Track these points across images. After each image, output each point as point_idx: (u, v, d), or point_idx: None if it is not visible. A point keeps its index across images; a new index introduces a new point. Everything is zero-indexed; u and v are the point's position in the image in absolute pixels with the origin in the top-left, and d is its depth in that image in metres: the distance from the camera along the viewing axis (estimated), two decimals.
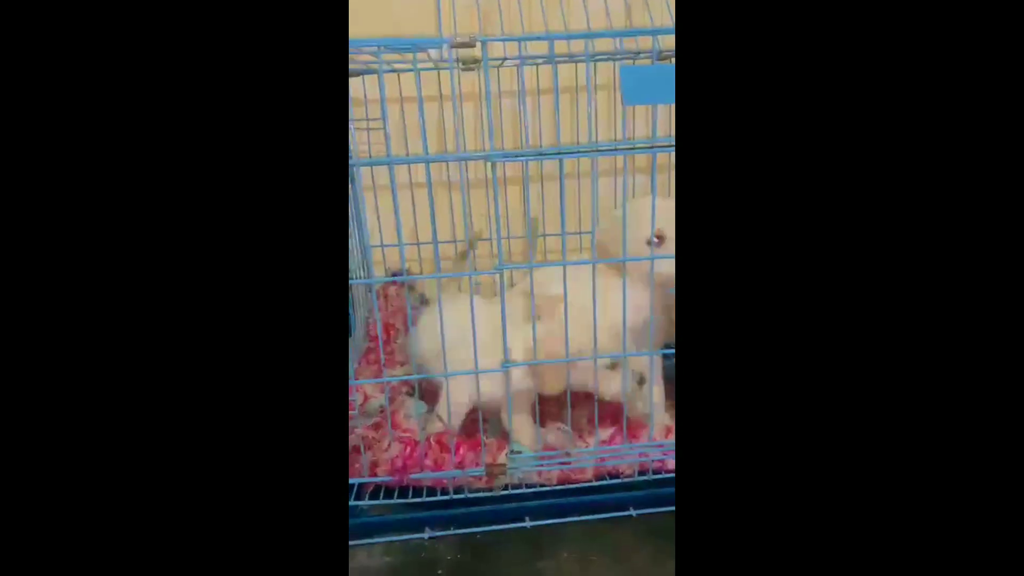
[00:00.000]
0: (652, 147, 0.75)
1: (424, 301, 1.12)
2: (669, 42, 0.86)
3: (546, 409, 0.91)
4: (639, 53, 1.02)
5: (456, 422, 0.86)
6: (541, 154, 0.80)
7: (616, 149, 0.88)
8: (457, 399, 0.84)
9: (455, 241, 1.20)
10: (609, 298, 0.80)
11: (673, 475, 0.85)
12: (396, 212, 0.75)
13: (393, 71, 1.09)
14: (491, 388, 0.84)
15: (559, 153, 0.77)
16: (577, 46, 0.92)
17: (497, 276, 0.77)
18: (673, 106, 0.99)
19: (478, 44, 0.68)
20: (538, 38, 0.74)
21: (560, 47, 0.93)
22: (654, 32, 0.73)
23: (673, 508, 0.83)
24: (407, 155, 1.18)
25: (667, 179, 1.17)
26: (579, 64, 1.05)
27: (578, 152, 0.94)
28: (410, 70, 0.97)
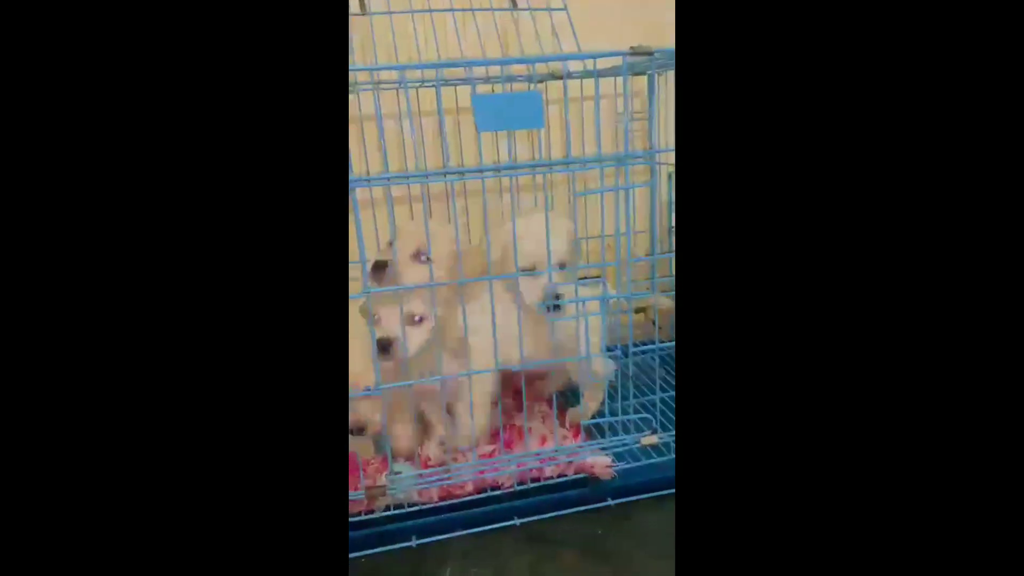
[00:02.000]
0: (478, 173, 0.79)
1: None
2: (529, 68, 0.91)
3: (427, 426, 0.92)
4: (514, 78, 1.07)
5: None
6: (404, 177, 0.82)
7: (482, 171, 0.92)
8: None
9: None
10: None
11: (551, 481, 0.88)
12: None
13: None
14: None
15: (424, 176, 0.79)
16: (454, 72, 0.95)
17: (364, 299, 0.78)
18: (526, 131, 1.04)
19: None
20: (403, 68, 0.76)
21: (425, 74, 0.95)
22: (504, 62, 0.77)
23: (552, 514, 0.86)
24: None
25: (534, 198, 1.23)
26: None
27: (461, 174, 0.97)
28: None
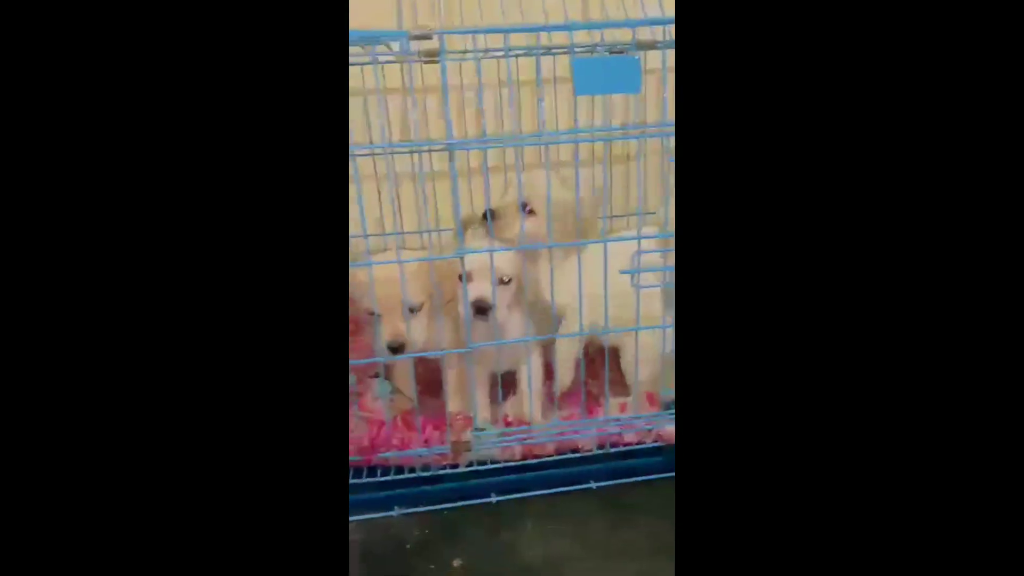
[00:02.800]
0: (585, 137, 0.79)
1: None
2: (621, 35, 0.90)
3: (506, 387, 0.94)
4: (596, 46, 1.06)
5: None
6: (489, 142, 0.83)
7: (578, 137, 0.92)
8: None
9: (420, 232, 1.22)
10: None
11: (630, 447, 0.90)
12: (360, 203, 0.78)
13: (355, 64, 1.10)
14: None
15: (506, 142, 0.80)
16: (534, 39, 0.95)
17: (459, 260, 0.80)
18: (625, 96, 1.02)
19: (435, 37, 0.70)
20: (495, 31, 0.77)
21: (517, 40, 0.96)
22: (603, 25, 0.76)
23: (630, 480, 0.88)
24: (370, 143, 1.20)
25: (626, 170, 1.22)
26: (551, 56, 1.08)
27: (554, 140, 0.97)
28: (368, 63, 0.99)
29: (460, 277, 0.83)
